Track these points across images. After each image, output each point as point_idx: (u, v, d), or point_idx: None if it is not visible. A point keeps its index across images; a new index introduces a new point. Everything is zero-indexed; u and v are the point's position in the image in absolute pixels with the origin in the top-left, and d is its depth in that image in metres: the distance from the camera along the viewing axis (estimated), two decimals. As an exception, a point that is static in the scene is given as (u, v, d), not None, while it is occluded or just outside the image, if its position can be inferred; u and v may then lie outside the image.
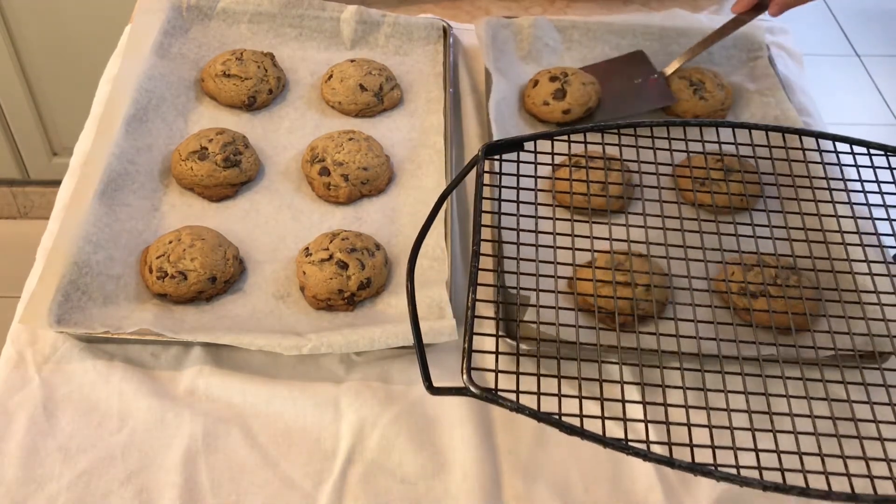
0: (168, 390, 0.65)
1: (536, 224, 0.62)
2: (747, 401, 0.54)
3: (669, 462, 0.46)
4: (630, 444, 0.47)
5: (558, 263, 0.61)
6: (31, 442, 0.61)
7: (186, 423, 0.63)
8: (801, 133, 0.69)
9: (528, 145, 0.63)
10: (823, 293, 0.67)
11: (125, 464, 0.60)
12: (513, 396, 0.48)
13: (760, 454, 0.50)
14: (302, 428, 0.64)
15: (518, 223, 0.61)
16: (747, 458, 0.50)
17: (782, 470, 0.49)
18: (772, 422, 0.53)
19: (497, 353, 0.53)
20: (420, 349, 0.51)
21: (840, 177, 0.69)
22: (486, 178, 0.63)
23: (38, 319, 0.64)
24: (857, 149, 0.68)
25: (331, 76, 0.89)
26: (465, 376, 0.48)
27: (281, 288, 0.72)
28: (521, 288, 0.58)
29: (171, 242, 0.71)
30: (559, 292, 0.60)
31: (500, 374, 0.52)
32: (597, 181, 0.76)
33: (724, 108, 0.90)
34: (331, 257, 0.70)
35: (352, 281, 0.69)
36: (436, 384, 0.66)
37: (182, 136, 0.83)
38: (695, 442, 0.50)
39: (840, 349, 0.61)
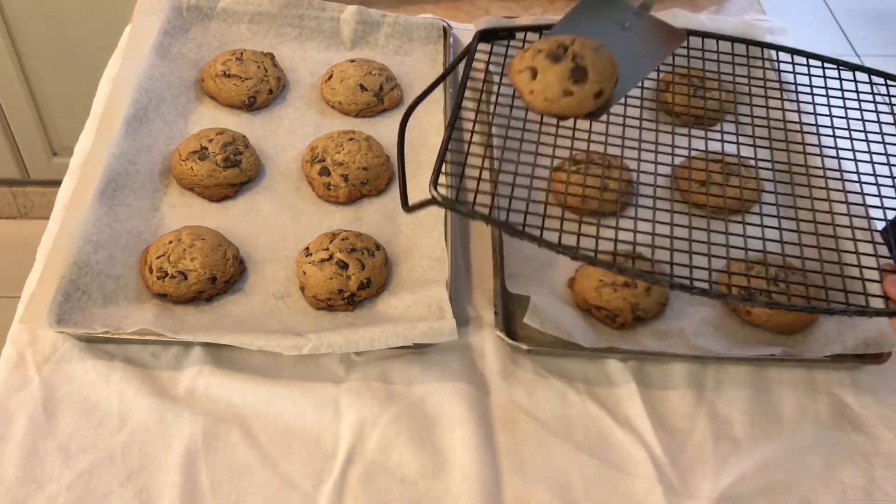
0: (168, 390, 0.65)
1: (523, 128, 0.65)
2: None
3: (610, 265, 0.53)
4: (581, 250, 0.52)
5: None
6: (31, 442, 0.61)
7: (186, 423, 0.63)
8: (764, 46, 0.74)
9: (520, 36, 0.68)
10: (823, 293, 0.67)
11: (125, 464, 0.61)
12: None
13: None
14: (302, 428, 0.64)
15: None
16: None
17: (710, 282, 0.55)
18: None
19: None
20: (401, 172, 0.57)
21: (792, 83, 0.74)
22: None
23: (38, 319, 0.64)
24: (812, 62, 0.73)
25: (331, 76, 0.90)
26: (431, 187, 0.53)
27: (281, 288, 0.72)
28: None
29: (171, 242, 0.71)
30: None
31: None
32: (594, 186, 0.76)
33: (723, 108, 0.90)
34: (331, 257, 0.70)
35: (352, 281, 0.70)
36: (435, 383, 0.67)
37: (182, 136, 0.83)
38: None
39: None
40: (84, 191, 0.73)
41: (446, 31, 0.97)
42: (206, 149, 0.78)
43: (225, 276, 0.70)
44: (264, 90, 0.88)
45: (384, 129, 0.87)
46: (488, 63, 0.66)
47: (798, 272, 0.68)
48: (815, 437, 0.66)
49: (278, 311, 0.70)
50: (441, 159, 0.55)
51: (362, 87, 0.88)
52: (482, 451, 0.63)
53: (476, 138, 0.63)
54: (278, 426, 0.64)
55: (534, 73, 0.60)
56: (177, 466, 0.60)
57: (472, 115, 0.62)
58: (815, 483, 0.63)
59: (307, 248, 0.72)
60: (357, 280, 0.70)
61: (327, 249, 0.71)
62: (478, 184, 0.57)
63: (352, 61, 0.90)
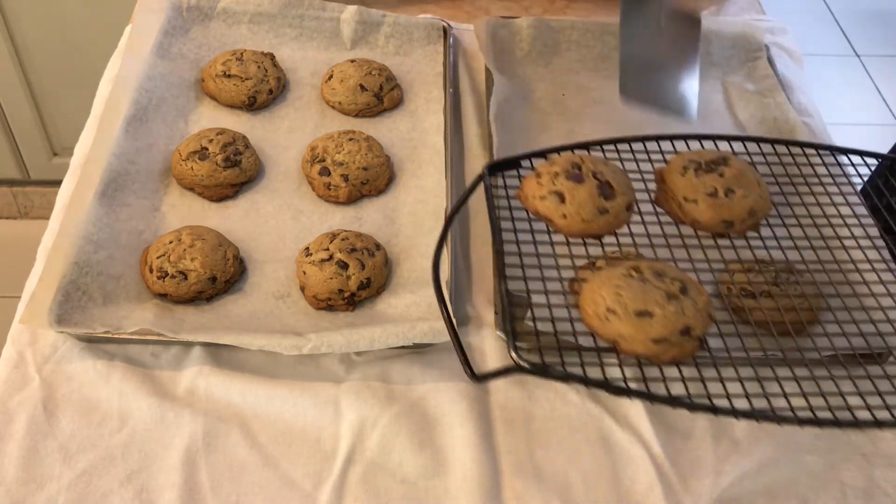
0: (168, 390, 0.65)
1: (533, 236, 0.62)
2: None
3: (713, 409, 0.50)
4: (676, 398, 0.50)
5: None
6: (31, 442, 0.61)
7: (186, 422, 0.63)
8: (795, 144, 0.70)
9: (525, 162, 0.64)
10: (824, 294, 0.67)
11: (125, 464, 0.61)
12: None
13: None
14: (302, 428, 0.64)
15: (517, 237, 0.61)
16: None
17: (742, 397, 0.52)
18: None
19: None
20: (457, 341, 0.53)
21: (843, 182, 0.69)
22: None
23: (39, 319, 0.64)
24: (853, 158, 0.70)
25: (331, 76, 0.90)
26: (513, 353, 0.50)
27: (281, 288, 0.72)
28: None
29: (171, 242, 0.71)
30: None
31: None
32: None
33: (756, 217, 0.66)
34: (331, 257, 0.70)
35: (352, 281, 0.70)
36: (435, 383, 0.67)
37: (182, 137, 0.83)
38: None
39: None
40: (84, 191, 0.73)
41: (446, 31, 0.97)
42: (207, 149, 0.78)
43: (225, 276, 0.70)
44: (264, 90, 0.88)
45: (384, 129, 0.87)
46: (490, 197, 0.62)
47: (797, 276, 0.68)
48: (814, 437, 0.66)
49: (278, 311, 0.70)
50: (510, 319, 0.51)
51: (362, 88, 0.88)
52: (482, 450, 0.63)
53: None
54: (278, 426, 0.64)
55: (560, 197, 0.59)
56: (177, 466, 0.60)
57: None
58: (814, 483, 0.63)
59: (307, 248, 0.72)
60: (357, 280, 0.70)
61: (327, 249, 0.71)
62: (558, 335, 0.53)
63: (352, 61, 0.90)
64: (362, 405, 0.65)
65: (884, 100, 2.37)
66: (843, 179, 0.70)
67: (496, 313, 0.70)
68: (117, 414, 0.63)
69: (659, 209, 0.65)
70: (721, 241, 0.64)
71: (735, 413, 0.50)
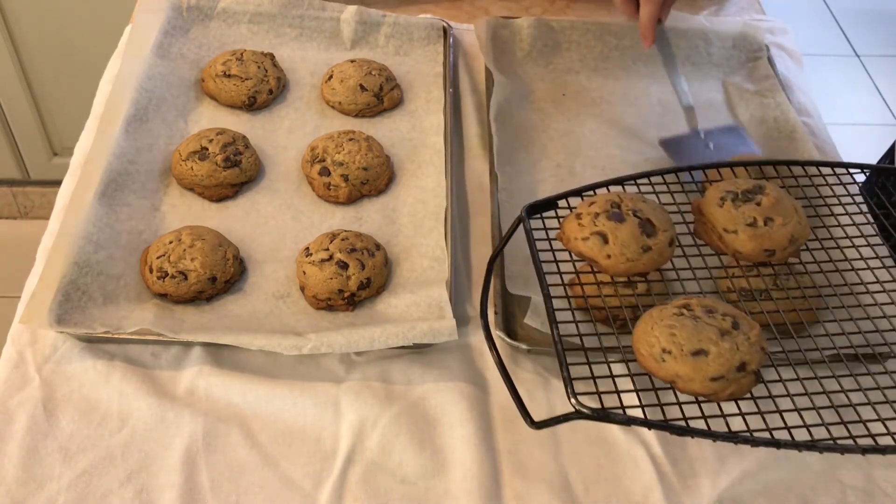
0: (168, 390, 0.65)
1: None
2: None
3: (775, 443, 0.50)
4: (738, 434, 0.49)
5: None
6: (31, 442, 0.61)
7: (186, 423, 0.63)
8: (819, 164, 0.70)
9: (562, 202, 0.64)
10: (823, 293, 0.67)
11: (125, 464, 0.61)
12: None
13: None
14: (302, 428, 0.64)
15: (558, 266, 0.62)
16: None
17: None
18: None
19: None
20: (514, 392, 0.53)
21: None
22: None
23: (39, 319, 0.64)
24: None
25: (331, 76, 0.90)
26: (573, 399, 0.50)
27: (281, 288, 0.72)
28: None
29: (171, 242, 0.71)
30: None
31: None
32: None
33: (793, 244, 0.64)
34: (331, 257, 0.70)
35: (352, 281, 0.70)
36: (435, 383, 0.67)
37: (182, 137, 0.83)
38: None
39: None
40: (84, 191, 0.73)
41: (446, 31, 0.97)
42: (207, 149, 0.78)
43: (225, 276, 0.70)
44: (264, 90, 0.88)
45: (384, 129, 0.87)
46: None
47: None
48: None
49: (278, 311, 0.70)
50: (566, 365, 0.51)
51: (362, 88, 0.88)
52: (482, 450, 0.63)
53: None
54: (278, 426, 0.64)
55: (603, 238, 0.60)
56: (177, 466, 0.60)
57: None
58: (814, 483, 0.63)
59: (307, 248, 0.72)
60: (357, 280, 0.70)
61: (327, 249, 0.71)
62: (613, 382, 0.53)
63: (352, 61, 0.90)
64: (362, 405, 0.65)
65: (884, 100, 2.38)
66: (843, 190, 0.70)
67: (496, 313, 0.70)
68: (117, 414, 0.63)
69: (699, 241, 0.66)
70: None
71: (797, 445, 0.49)
